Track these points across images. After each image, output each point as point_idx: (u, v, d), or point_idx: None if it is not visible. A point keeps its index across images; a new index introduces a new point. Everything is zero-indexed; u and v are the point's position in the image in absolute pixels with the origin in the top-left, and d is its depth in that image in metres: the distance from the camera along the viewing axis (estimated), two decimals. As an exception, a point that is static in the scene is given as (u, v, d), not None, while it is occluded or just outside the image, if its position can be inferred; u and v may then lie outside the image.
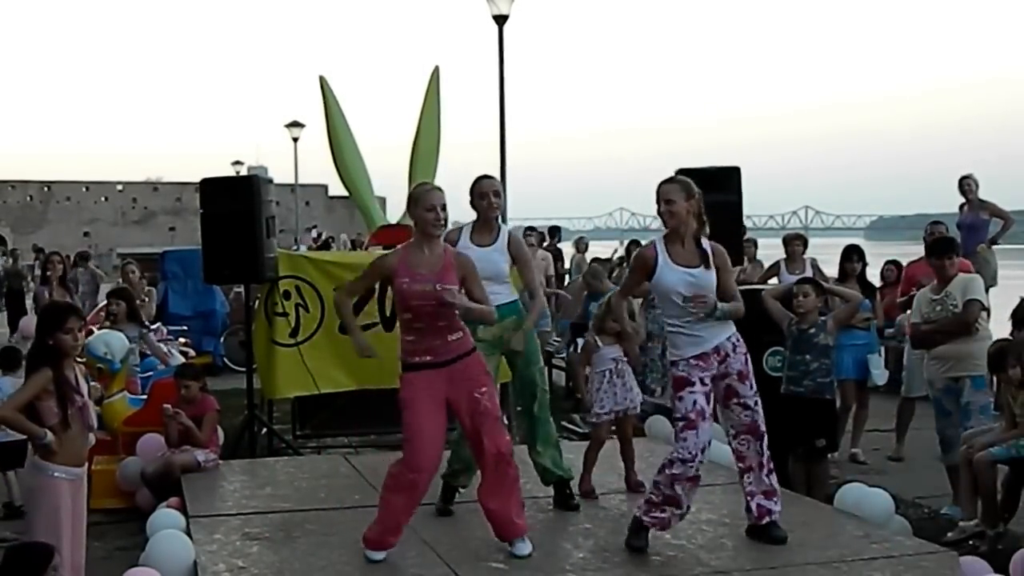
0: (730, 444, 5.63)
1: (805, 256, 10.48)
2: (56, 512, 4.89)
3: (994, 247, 11.76)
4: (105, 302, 9.98)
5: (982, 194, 11.72)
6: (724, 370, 5.40)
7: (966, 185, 11.69)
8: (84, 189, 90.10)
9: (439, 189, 5.38)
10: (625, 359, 6.51)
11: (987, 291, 8.19)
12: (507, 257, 6.08)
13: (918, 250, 7.98)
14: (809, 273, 9.57)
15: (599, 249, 21.77)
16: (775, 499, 5.56)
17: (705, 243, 5.43)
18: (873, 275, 9.78)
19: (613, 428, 6.68)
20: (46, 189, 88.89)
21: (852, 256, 9.00)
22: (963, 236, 11.06)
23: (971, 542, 6.27)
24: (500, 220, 6.22)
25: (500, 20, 16.59)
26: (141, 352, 9.09)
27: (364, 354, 5.47)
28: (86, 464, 5.21)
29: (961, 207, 11.80)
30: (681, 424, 5.31)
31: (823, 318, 6.93)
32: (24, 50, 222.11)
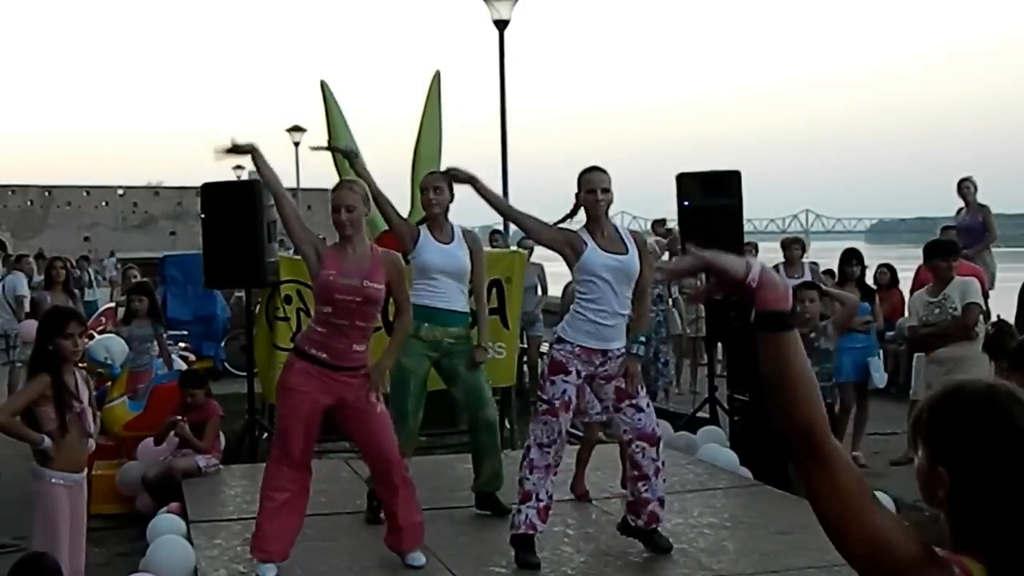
0: (625, 451, 5.48)
1: (804, 260, 10.47)
2: (55, 518, 4.89)
3: (993, 249, 11.76)
4: (110, 304, 10.04)
5: (980, 197, 11.72)
6: (604, 372, 5.32)
7: (965, 188, 11.68)
8: (85, 193, 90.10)
9: (348, 188, 5.20)
10: None
11: (986, 294, 8.20)
12: (467, 253, 6.07)
13: (917, 253, 7.98)
14: (808, 277, 9.57)
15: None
16: (664, 506, 5.48)
17: (622, 230, 5.46)
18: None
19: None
20: (47, 194, 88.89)
21: (851, 260, 9.00)
22: (962, 239, 11.07)
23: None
24: (446, 217, 6.14)
25: (501, 25, 16.58)
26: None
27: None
28: (85, 469, 5.22)
29: (959, 210, 11.80)
30: (545, 408, 5.26)
31: (823, 323, 6.92)
32: (24, 54, 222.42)
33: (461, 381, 6.11)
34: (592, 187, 5.35)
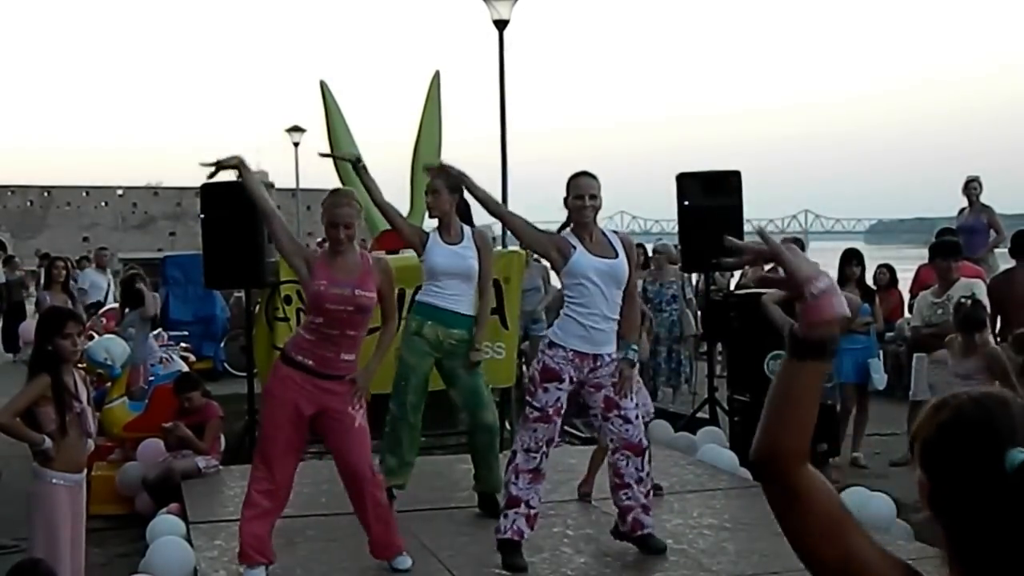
0: (608, 458, 5.44)
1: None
2: (55, 518, 4.88)
3: (995, 251, 11.74)
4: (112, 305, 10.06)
5: (983, 198, 11.70)
6: (594, 378, 5.27)
7: (972, 188, 11.65)
8: (84, 194, 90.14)
9: (347, 203, 5.07)
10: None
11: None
12: (475, 253, 6.07)
13: (916, 253, 7.99)
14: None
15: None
16: (651, 512, 5.45)
17: (610, 235, 5.41)
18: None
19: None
20: (46, 194, 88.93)
21: (851, 260, 9.00)
22: (963, 240, 11.05)
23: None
24: (459, 218, 6.14)
25: (500, 25, 16.57)
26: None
27: None
28: (85, 470, 5.21)
29: (962, 210, 11.77)
30: (537, 416, 5.21)
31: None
32: (23, 55, 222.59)
33: (460, 383, 6.14)
34: (580, 193, 5.31)
